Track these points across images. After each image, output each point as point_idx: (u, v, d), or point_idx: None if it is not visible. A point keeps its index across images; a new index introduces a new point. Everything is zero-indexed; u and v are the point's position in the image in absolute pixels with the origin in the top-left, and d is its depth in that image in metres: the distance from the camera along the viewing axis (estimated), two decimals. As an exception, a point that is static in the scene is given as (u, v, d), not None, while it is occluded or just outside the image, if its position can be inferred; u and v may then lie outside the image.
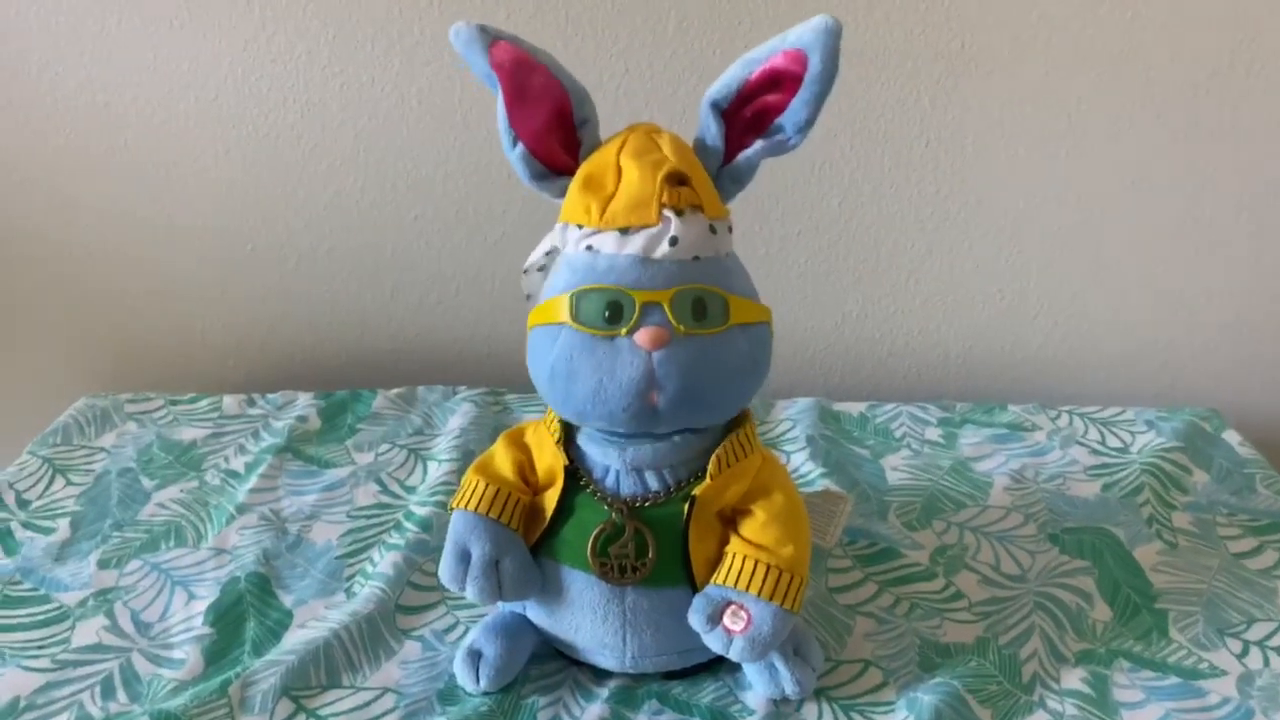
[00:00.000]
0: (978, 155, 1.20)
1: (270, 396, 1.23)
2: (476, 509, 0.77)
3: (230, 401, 1.22)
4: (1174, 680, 0.80)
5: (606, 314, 0.70)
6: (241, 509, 1.02)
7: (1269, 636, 0.84)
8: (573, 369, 0.71)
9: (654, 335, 0.70)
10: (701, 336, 0.71)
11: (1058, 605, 0.87)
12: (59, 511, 1.02)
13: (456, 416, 1.18)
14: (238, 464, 1.10)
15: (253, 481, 1.06)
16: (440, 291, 1.30)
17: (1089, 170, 1.21)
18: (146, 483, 1.07)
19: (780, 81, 0.72)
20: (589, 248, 0.72)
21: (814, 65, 0.70)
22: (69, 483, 1.07)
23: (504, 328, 1.31)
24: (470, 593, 0.76)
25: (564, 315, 0.71)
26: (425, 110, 1.20)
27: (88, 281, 1.29)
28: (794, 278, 1.27)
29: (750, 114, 0.74)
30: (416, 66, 1.18)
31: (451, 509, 0.78)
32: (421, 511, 1.00)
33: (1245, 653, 0.83)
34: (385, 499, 1.04)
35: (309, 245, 1.27)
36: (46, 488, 1.06)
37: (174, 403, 1.22)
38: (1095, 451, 1.12)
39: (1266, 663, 0.82)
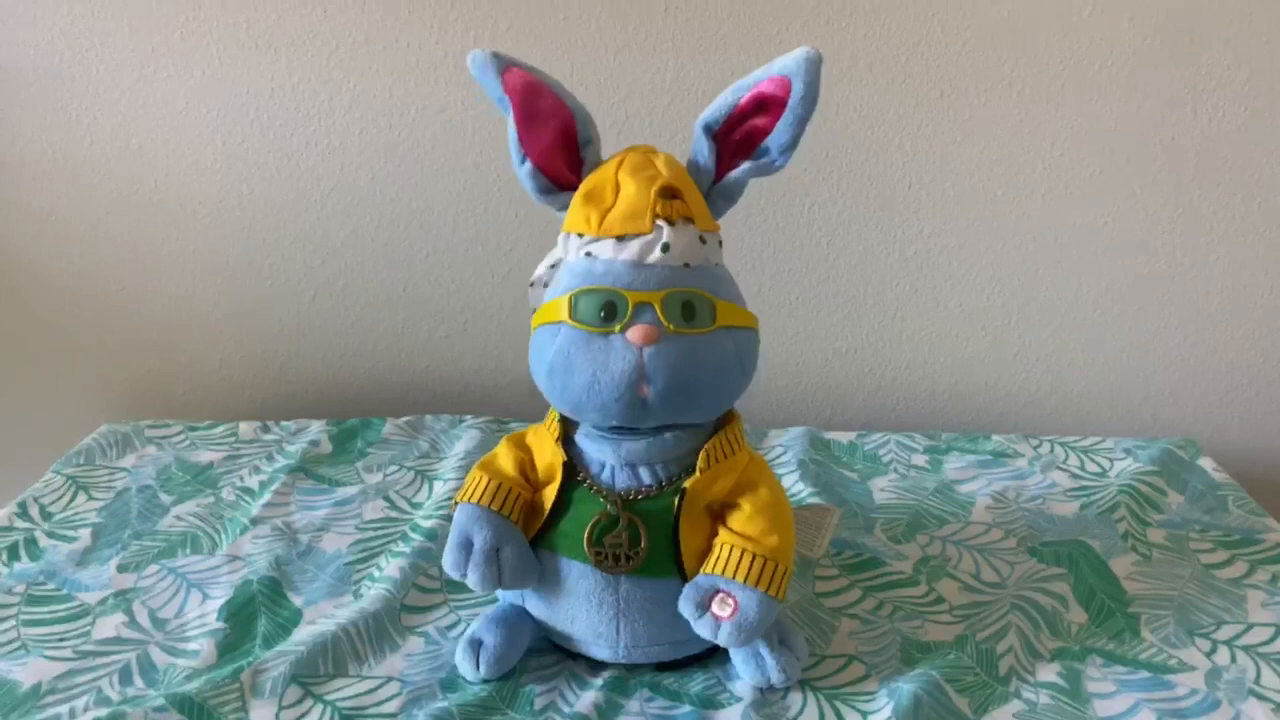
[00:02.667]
0: (958, 198, 1.27)
1: (284, 423, 1.29)
2: (479, 501, 0.81)
3: (246, 428, 1.27)
4: (1144, 674, 0.83)
5: (602, 313, 0.76)
6: (255, 521, 1.07)
7: (1237, 636, 0.88)
8: (570, 363, 0.77)
9: (645, 332, 0.75)
10: (690, 336, 0.76)
11: (1034, 607, 0.91)
12: (80, 523, 1.07)
13: (462, 442, 1.23)
14: (252, 482, 1.15)
15: (266, 497, 1.11)
16: (450, 325, 1.36)
17: (1065, 212, 1.27)
18: (165, 498, 1.12)
19: (767, 106, 0.79)
20: (588, 254, 0.79)
21: (797, 90, 0.77)
22: (90, 498, 1.12)
23: (511, 361, 1.37)
24: (472, 579, 0.80)
25: (563, 314, 0.77)
26: (439, 153, 1.28)
27: (112, 314, 1.36)
28: (785, 314, 1.33)
29: (739, 137, 0.81)
30: (431, 113, 1.26)
31: (455, 503, 0.83)
32: (427, 524, 1.04)
33: (1214, 650, 0.86)
34: (392, 513, 1.09)
35: (325, 280, 1.34)
36: (70, 502, 1.11)
37: (192, 429, 1.28)
38: (1074, 476, 1.16)
39: (1233, 659, 0.85)
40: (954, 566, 0.99)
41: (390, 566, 0.97)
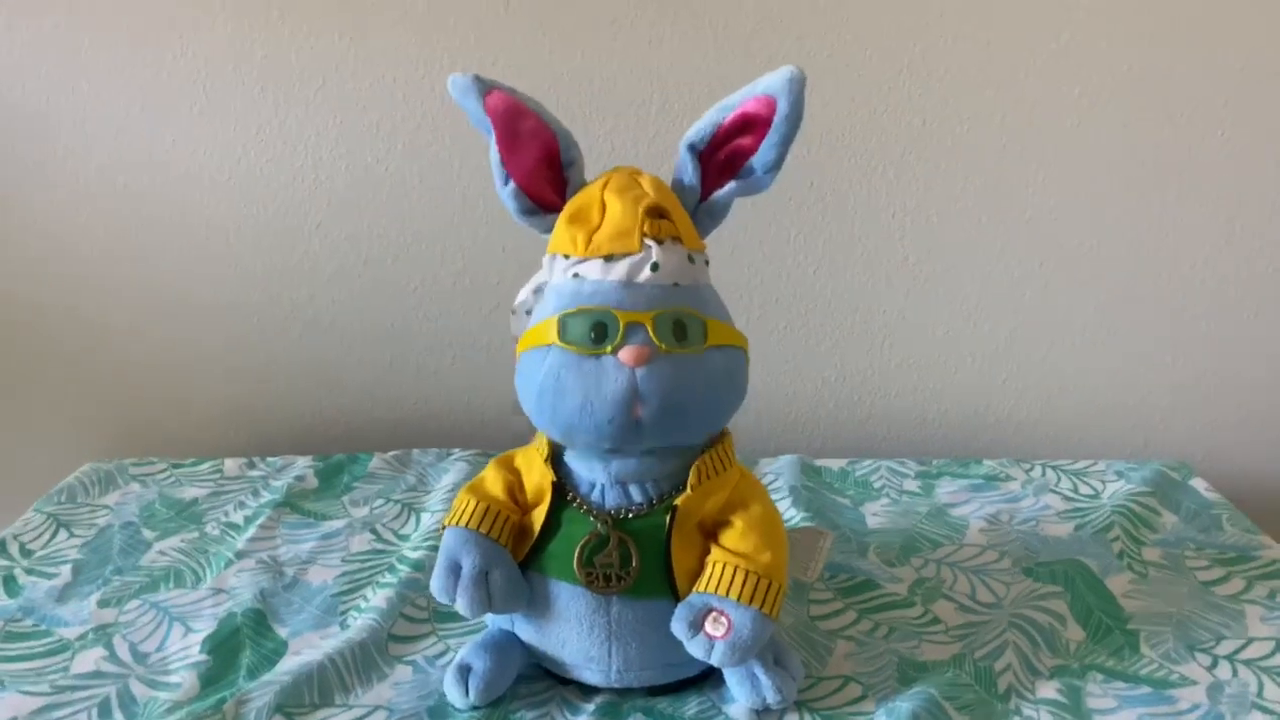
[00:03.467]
0: (942, 225, 1.28)
1: (270, 459, 1.27)
2: (467, 525, 0.80)
3: (231, 464, 1.26)
4: (1145, 690, 0.82)
5: (592, 334, 0.75)
6: (240, 555, 1.05)
7: (1237, 651, 0.87)
8: (560, 386, 0.76)
9: (638, 353, 0.75)
10: (682, 355, 0.76)
11: (1032, 625, 0.90)
12: (61, 559, 1.05)
13: (450, 474, 1.22)
14: (237, 517, 1.14)
15: (251, 531, 1.09)
16: (437, 361, 1.36)
17: (1049, 238, 1.28)
18: (148, 534, 1.10)
19: (751, 125, 0.79)
20: (575, 275, 0.78)
21: (781, 108, 0.77)
22: (72, 534, 1.10)
23: (499, 396, 1.36)
24: (460, 604, 0.78)
25: (552, 337, 0.77)
26: (425, 188, 1.28)
27: (95, 353, 1.35)
28: (774, 344, 1.33)
29: (724, 156, 0.81)
30: (419, 148, 1.27)
31: (444, 527, 0.82)
32: (414, 555, 1.03)
33: (1215, 665, 0.85)
34: (379, 545, 1.08)
35: (312, 317, 1.34)
36: (50, 539, 1.09)
37: (177, 465, 1.26)
38: (1067, 498, 1.16)
39: (1235, 673, 0.84)
40: (949, 588, 0.98)
41: (377, 597, 0.96)
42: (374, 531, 1.10)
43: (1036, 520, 1.11)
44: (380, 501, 1.17)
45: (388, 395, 1.37)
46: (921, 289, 1.31)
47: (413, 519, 1.13)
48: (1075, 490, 1.17)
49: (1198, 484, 1.17)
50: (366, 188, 1.28)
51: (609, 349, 0.75)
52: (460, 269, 1.31)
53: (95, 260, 1.31)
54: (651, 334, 0.75)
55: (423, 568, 1.00)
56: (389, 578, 1.00)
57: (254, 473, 1.25)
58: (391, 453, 1.28)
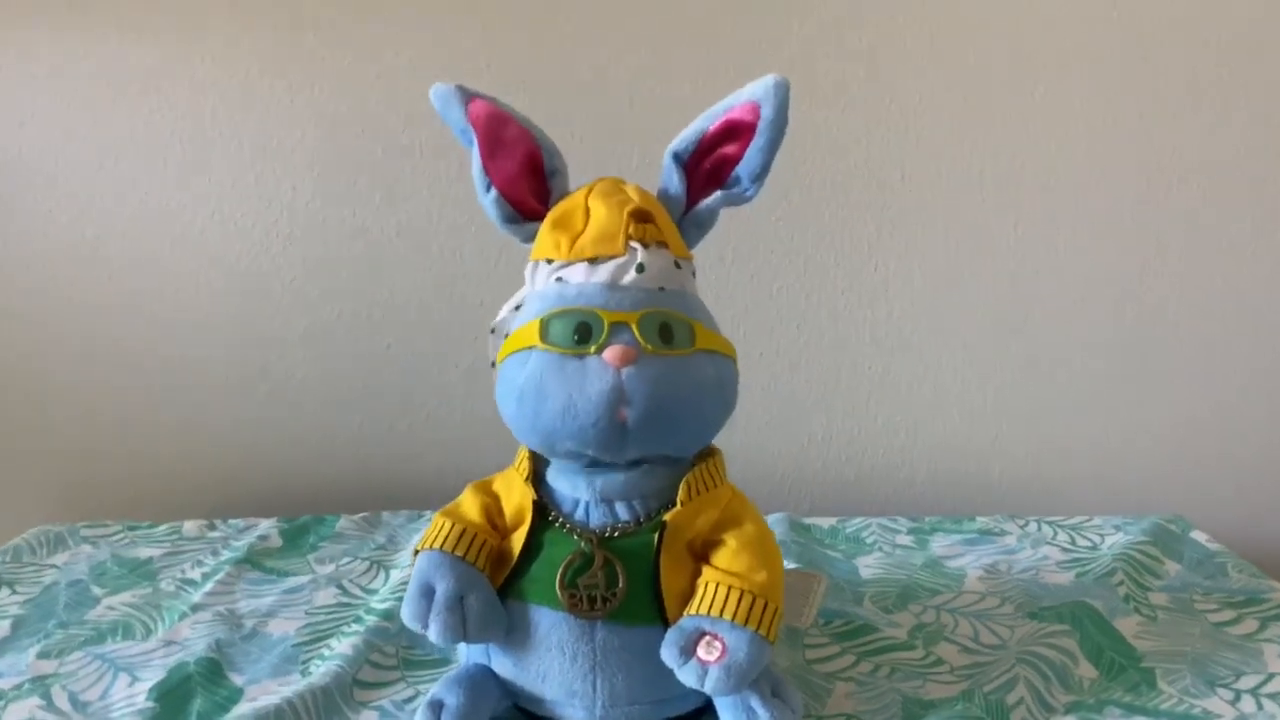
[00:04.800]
0: (925, 280, 1.27)
1: (232, 521, 1.21)
2: (442, 548, 0.75)
3: (190, 525, 1.20)
4: (1168, 723, 0.77)
5: (575, 335, 0.72)
6: (196, 608, 0.98)
7: (1260, 685, 0.82)
8: (542, 388, 0.72)
9: (622, 353, 0.71)
10: (669, 357, 0.72)
11: (1043, 661, 0.85)
12: (2, 615, 0.97)
13: (421, 535, 1.15)
14: (195, 574, 1.07)
15: (209, 586, 1.03)
16: (410, 420, 1.31)
17: (1032, 292, 1.28)
18: (97, 590, 1.03)
19: (736, 132, 0.78)
20: (559, 279, 0.76)
21: (766, 113, 0.76)
22: (14, 592, 1.03)
23: (474, 457, 1.31)
24: (433, 630, 0.72)
25: (534, 339, 0.73)
26: (403, 242, 1.26)
27: (49, 412, 1.30)
28: (758, 400, 1.29)
29: (709, 165, 0.80)
30: (397, 201, 1.25)
31: (417, 551, 0.77)
32: (383, 606, 0.96)
33: (1238, 699, 0.80)
34: (345, 599, 1.01)
35: (281, 375, 1.30)
36: (-10, 597, 1.02)
37: (132, 528, 1.20)
38: (1066, 549, 1.11)
39: (1260, 707, 0.79)
40: (951, 631, 0.92)
41: (342, 645, 0.89)
42: (340, 586, 1.04)
43: (1036, 569, 1.06)
44: (347, 560, 1.11)
45: (357, 457, 1.32)
46: (906, 345, 1.29)
47: (382, 574, 1.07)
48: (1073, 543, 1.13)
49: (1198, 535, 1.14)
50: (341, 242, 1.26)
51: (593, 349, 0.72)
52: (436, 324, 1.28)
53: (56, 315, 1.27)
54: (637, 334, 0.72)
55: (392, 616, 0.94)
56: (355, 627, 0.93)
57: (214, 534, 1.18)
58: (360, 514, 1.22)
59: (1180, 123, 1.23)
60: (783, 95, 0.76)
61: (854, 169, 1.25)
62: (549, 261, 0.77)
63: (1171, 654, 0.87)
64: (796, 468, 1.32)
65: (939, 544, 1.14)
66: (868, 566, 1.08)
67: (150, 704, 0.80)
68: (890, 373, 1.30)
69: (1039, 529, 1.18)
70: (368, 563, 1.10)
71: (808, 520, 1.21)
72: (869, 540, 1.16)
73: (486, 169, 0.78)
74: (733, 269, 1.26)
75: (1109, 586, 1.00)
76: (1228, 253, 1.27)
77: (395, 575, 1.05)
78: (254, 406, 1.30)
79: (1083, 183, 1.25)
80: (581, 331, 0.72)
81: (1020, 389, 1.30)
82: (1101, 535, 1.15)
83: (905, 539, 1.16)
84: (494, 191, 0.78)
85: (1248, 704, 0.79)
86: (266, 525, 1.19)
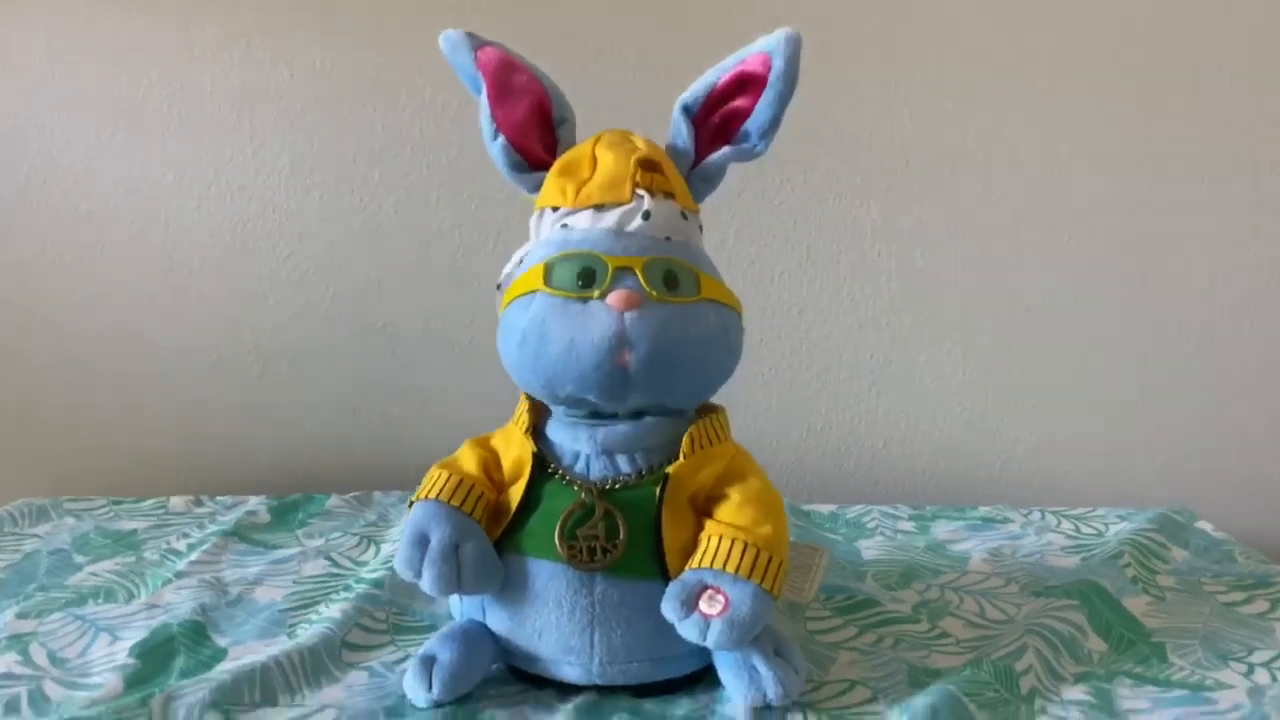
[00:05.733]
0: (926, 267, 1.26)
1: (220, 498, 1.18)
2: (438, 497, 0.73)
3: (177, 501, 1.17)
4: (1181, 693, 0.75)
5: (580, 280, 0.71)
6: (180, 575, 0.95)
7: (1274, 659, 0.80)
8: (544, 331, 0.71)
9: (626, 297, 0.70)
10: (673, 304, 0.71)
11: (1052, 633, 0.82)
12: (-22, 580, 0.95)
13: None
14: (180, 545, 1.04)
15: (195, 556, 1.00)
16: (404, 404, 1.29)
17: (1033, 283, 1.27)
18: (79, 558, 1.01)
19: (746, 85, 0.77)
20: (564, 225, 0.74)
21: (777, 65, 0.75)
22: (-7, 560, 1.00)
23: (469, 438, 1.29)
24: (427, 580, 0.70)
25: (537, 283, 0.72)
26: (401, 220, 1.25)
27: (34, 389, 1.28)
28: (758, 386, 1.28)
29: (719, 119, 0.79)
30: (395, 178, 1.24)
31: (411, 503, 0.75)
32: (373, 576, 0.94)
33: (1251, 672, 0.78)
34: (335, 570, 0.98)
35: (274, 353, 1.28)
36: (-32, 563, 0.99)
37: (117, 502, 1.17)
38: (1070, 536, 1.09)
39: (1275, 678, 0.77)
40: (956, 607, 0.90)
41: (331, 609, 0.87)
42: (329, 559, 1.01)
43: (1041, 553, 1.04)
44: (337, 534, 1.08)
45: (349, 439, 1.30)
46: (906, 333, 1.28)
47: (372, 548, 1.04)
48: (1078, 530, 1.11)
49: (1203, 525, 1.12)
50: (338, 218, 1.25)
51: (596, 294, 0.70)
52: (432, 304, 1.27)
53: (45, 291, 1.26)
54: (641, 280, 0.70)
55: (382, 585, 0.91)
56: (344, 594, 0.90)
57: (201, 509, 1.16)
58: (351, 494, 1.20)
59: (1190, 117, 1.23)
60: (794, 48, 0.76)
61: (857, 157, 1.24)
62: (555, 209, 0.76)
63: (1182, 630, 0.85)
64: (796, 457, 1.30)
65: (941, 529, 1.12)
66: (869, 549, 1.06)
67: (131, 660, 0.77)
68: (892, 362, 1.28)
69: (1043, 518, 1.16)
70: (357, 538, 1.07)
71: (807, 507, 1.19)
72: (870, 525, 1.14)
73: (494, 115, 0.77)
74: (734, 255, 1.25)
75: (1116, 568, 0.98)
76: (1231, 245, 1.26)
77: (386, 549, 1.03)
78: (247, 385, 1.28)
79: (1087, 172, 1.24)
80: (585, 276, 0.71)
81: (1022, 380, 1.29)
82: (1106, 524, 1.13)
83: (907, 524, 1.14)
84: (501, 138, 0.77)
85: (1262, 676, 0.77)
86: (255, 502, 1.17)
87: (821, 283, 1.27)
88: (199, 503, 1.17)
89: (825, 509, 1.18)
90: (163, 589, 0.92)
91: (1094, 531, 1.11)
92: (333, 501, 1.17)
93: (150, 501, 1.17)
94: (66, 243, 1.25)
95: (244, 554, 1.02)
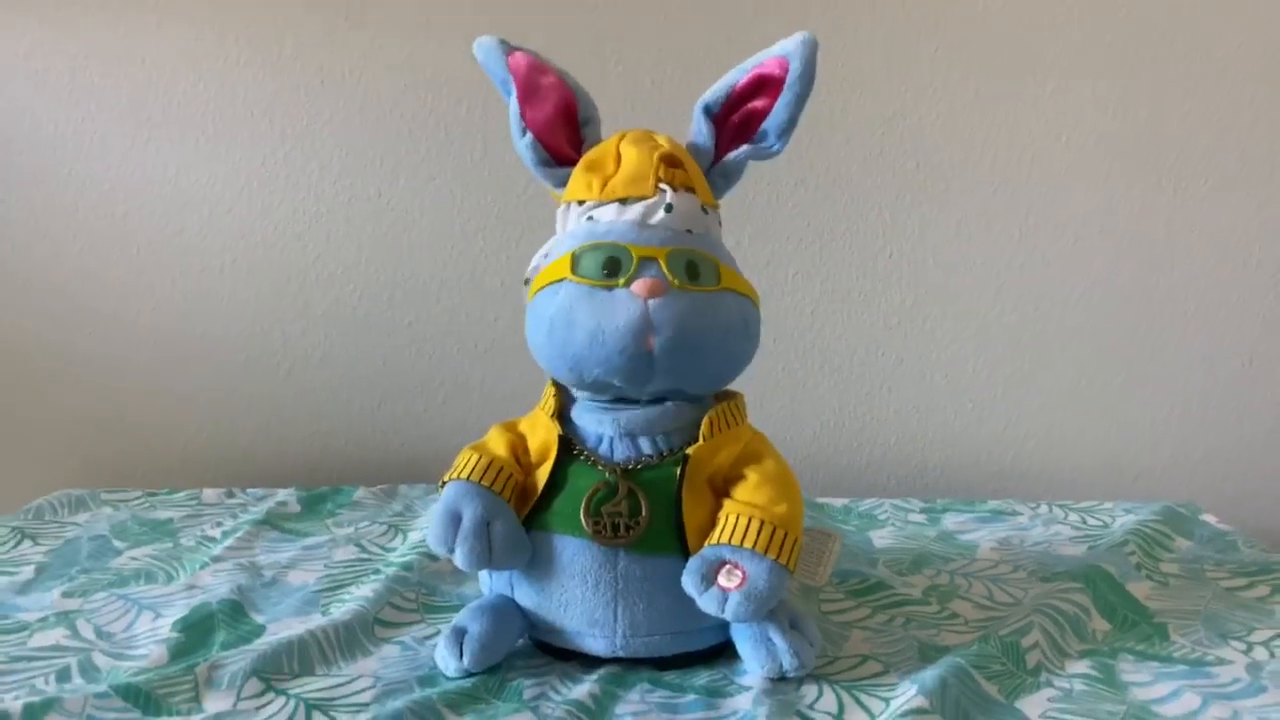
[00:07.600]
0: (938, 267, 1.29)
1: (251, 490, 1.22)
2: (469, 478, 0.77)
3: (210, 493, 1.21)
4: (1182, 667, 0.77)
5: (605, 269, 0.75)
6: (216, 559, 0.99)
7: (1273, 639, 0.82)
8: (571, 318, 0.75)
9: (651, 285, 0.74)
10: (695, 292, 0.75)
11: (1057, 613, 0.85)
12: (24, 562, 0.99)
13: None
14: (214, 533, 1.08)
15: (229, 542, 1.04)
16: (428, 399, 1.33)
17: (1043, 281, 1.29)
18: (119, 544, 1.05)
19: (765, 87, 0.81)
20: (590, 218, 0.78)
21: (794, 68, 0.79)
22: (36, 544, 1.04)
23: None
24: (459, 555, 0.74)
25: (565, 272, 0.76)
26: (427, 222, 1.29)
27: (73, 386, 1.32)
28: (771, 385, 1.31)
29: (738, 119, 0.83)
30: (421, 181, 1.28)
31: (443, 484, 0.78)
32: (403, 560, 0.97)
33: (1250, 650, 0.81)
34: (364, 555, 1.02)
35: (303, 352, 1.31)
36: (14, 548, 1.03)
37: (152, 494, 1.21)
38: (1077, 528, 1.12)
39: (1273, 655, 0.79)
40: (965, 591, 0.93)
41: (363, 589, 0.90)
42: (359, 545, 1.05)
43: (1048, 543, 1.07)
44: (366, 523, 1.12)
45: (375, 435, 1.33)
46: (919, 332, 1.31)
47: (400, 536, 1.08)
48: (1084, 522, 1.14)
49: (1208, 518, 1.15)
50: (366, 220, 1.29)
51: (621, 282, 0.74)
52: (456, 304, 1.31)
53: (85, 290, 1.30)
54: (665, 269, 0.74)
55: (412, 568, 0.95)
56: (375, 577, 0.94)
57: (233, 500, 1.20)
58: (379, 486, 1.23)
59: (1192, 116, 1.26)
60: (810, 51, 0.79)
61: (869, 158, 1.27)
62: (581, 202, 0.80)
63: (1184, 612, 0.88)
64: (810, 452, 1.33)
65: (951, 521, 1.15)
66: (881, 538, 1.09)
67: (175, 634, 0.81)
68: (903, 360, 1.32)
69: (1050, 510, 1.19)
70: (385, 526, 1.11)
71: (821, 500, 1.22)
72: (882, 517, 1.17)
73: (523, 114, 0.81)
74: (750, 255, 1.27)
75: (1121, 556, 1.01)
76: (1236, 242, 1.28)
77: (414, 536, 1.06)
78: (275, 382, 1.32)
79: (1093, 173, 1.27)
80: (610, 265, 0.75)
81: (1032, 377, 1.32)
82: (1113, 517, 1.15)
83: (918, 516, 1.17)
84: (529, 135, 0.81)
85: (1260, 653, 0.80)
86: (285, 494, 1.20)
87: (834, 283, 1.30)
88: (231, 494, 1.21)
89: (838, 502, 1.22)
90: (200, 571, 0.96)
91: (1100, 523, 1.13)
92: (360, 493, 1.21)
93: (183, 493, 1.21)
94: (103, 243, 1.29)
95: (276, 541, 1.06)
